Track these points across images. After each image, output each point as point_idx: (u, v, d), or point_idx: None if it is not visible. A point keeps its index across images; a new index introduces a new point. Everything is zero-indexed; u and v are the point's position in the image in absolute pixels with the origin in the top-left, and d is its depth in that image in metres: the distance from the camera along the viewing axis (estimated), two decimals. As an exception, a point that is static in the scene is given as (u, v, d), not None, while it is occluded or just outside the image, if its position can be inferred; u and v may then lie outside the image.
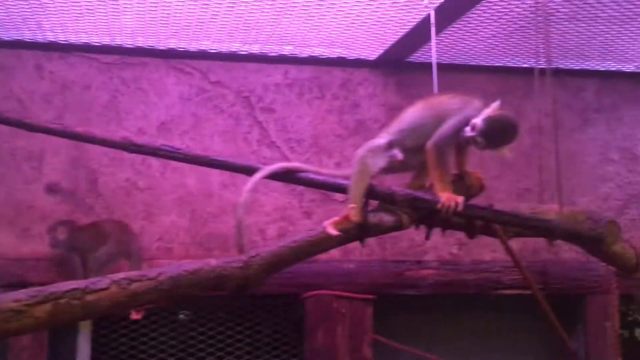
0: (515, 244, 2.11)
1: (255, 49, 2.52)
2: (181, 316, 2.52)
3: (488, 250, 2.58)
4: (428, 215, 1.33)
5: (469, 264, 2.55)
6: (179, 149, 1.38)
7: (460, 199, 1.30)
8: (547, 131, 2.12)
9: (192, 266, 1.15)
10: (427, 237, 1.40)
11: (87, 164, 2.44)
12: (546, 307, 1.65)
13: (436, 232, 1.55)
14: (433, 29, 1.99)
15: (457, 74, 2.67)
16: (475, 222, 1.39)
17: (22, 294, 1.03)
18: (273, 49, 2.53)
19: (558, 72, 2.67)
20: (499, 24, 2.31)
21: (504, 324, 2.63)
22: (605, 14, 2.25)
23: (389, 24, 2.30)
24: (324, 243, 1.23)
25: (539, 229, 1.27)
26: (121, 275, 1.10)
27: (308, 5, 2.16)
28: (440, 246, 2.60)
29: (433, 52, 1.94)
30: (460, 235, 1.51)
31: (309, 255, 1.23)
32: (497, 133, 1.37)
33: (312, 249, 1.22)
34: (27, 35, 2.38)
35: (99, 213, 2.41)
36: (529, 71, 2.68)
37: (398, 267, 2.49)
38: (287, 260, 1.20)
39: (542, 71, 1.72)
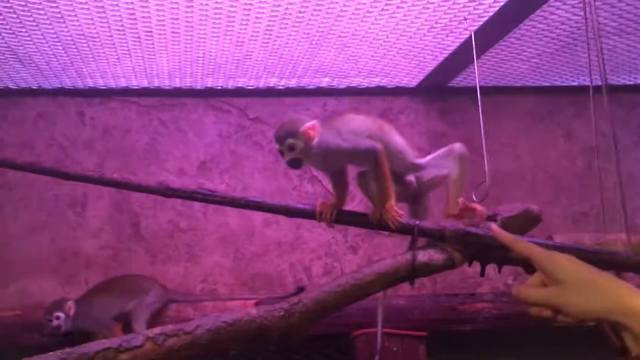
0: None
1: (292, 82, 2.50)
2: (231, 352, 2.45)
3: (546, 280, 2.45)
4: (481, 251, 1.23)
5: (526, 294, 2.41)
6: (215, 192, 1.33)
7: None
8: (601, 151, 2.00)
9: (231, 317, 1.08)
10: (482, 274, 1.30)
11: (129, 207, 2.43)
12: (614, 338, 1.51)
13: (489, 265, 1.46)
14: (474, 52, 1.91)
15: (502, 96, 2.58)
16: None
17: (51, 357, 0.99)
18: (310, 82, 2.50)
19: (610, 89, 2.55)
20: (543, 42, 2.22)
21: (570, 357, 2.47)
22: (657, 26, 2.13)
23: (427, 49, 2.24)
24: (372, 286, 1.15)
25: (609, 264, 1.16)
26: (156, 330, 1.05)
27: (344, 36, 2.12)
28: (494, 277, 2.48)
29: (476, 75, 1.86)
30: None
31: (355, 300, 1.15)
32: None
33: (359, 293, 1.14)
34: (68, 83, 2.42)
35: (142, 256, 2.39)
36: (578, 89, 2.58)
37: (451, 301, 2.37)
38: (332, 307, 1.13)
39: (595, 88, 1.62)
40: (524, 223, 1.27)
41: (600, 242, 1.25)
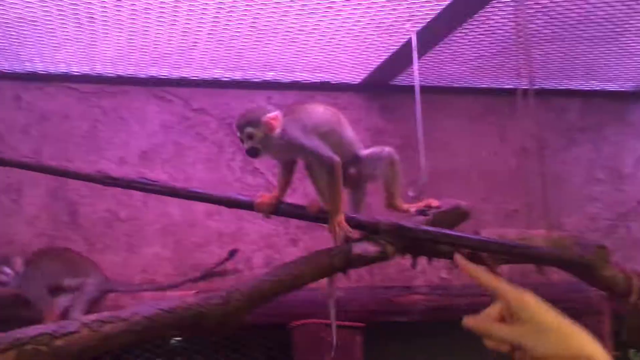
0: (503, 267, 2.08)
1: (237, 75, 2.50)
2: (172, 342, 2.45)
3: (478, 274, 2.55)
4: (413, 244, 1.29)
5: (460, 287, 2.50)
6: (155, 182, 1.34)
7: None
8: (532, 152, 2.11)
9: (168, 304, 1.10)
10: (414, 266, 1.36)
11: (66, 195, 2.38)
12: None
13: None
14: (415, 53, 1.98)
15: (440, 96, 2.66)
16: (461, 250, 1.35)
17: (-17, 341, 0.98)
18: (256, 75, 2.51)
19: (541, 92, 2.66)
20: (481, 45, 2.30)
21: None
22: (587, 34, 2.25)
23: (372, 47, 2.29)
24: (307, 275, 1.18)
25: (527, 257, 1.24)
26: (92, 317, 1.05)
27: (290, 31, 2.14)
28: (429, 270, 2.56)
29: (415, 75, 1.92)
30: (449, 259, 1.49)
31: (291, 289, 1.19)
32: None
33: (295, 282, 1.17)
34: (4, 66, 2.34)
35: (80, 245, 2.35)
36: (513, 92, 2.68)
37: (387, 293, 2.43)
38: (268, 295, 1.16)
39: (525, 91, 1.70)
40: (454, 218, 1.33)
41: (523, 237, 1.32)
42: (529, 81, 1.51)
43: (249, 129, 1.37)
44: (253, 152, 1.40)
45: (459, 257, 0.88)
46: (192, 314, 1.10)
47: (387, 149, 1.51)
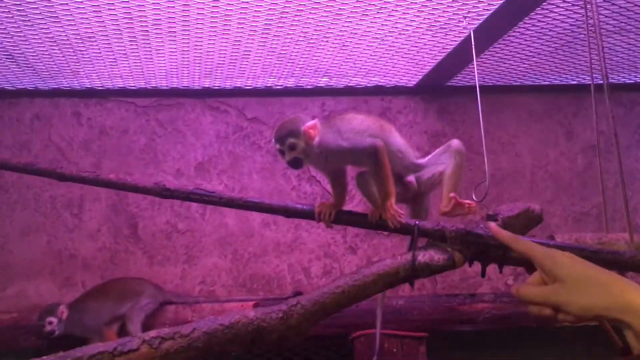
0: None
1: (290, 82, 2.48)
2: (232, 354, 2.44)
3: (546, 280, 2.43)
4: (482, 251, 1.22)
5: (526, 294, 2.39)
6: (213, 192, 1.32)
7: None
8: (601, 150, 1.99)
9: (228, 319, 1.07)
10: (483, 275, 1.28)
11: (127, 208, 2.42)
12: (615, 337, 1.49)
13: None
14: (473, 51, 1.90)
15: (501, 95, 2.57)
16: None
17: (44, 362, 0.97)
18: (309, 82, 2.48)
19: (610, 87, 2.54)
20: (542, 40, 2.20)
21: (572, 357, 2.45)
22: (657, 23, 2.12)
23: (426, 48, 2.23)
24: (371, 287, 1.13)
25: (611, 263, 1.15)
26: (152, 333, 1.03)
27: (342, 36, 2.10)
28: (495, 277, 2.47)
29: (475, 74, 1.84)
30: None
31: (354, 301, 1.14)
32: None
33: (359, 294, 1.12)
34: (64, 84, 2.40)
35: (140, 258, 2.38)
36: (577, 88, 2.57)
37: (450, 301, 2.35)
38: (331, 308, 1.11)
39: (596, 87, 1.61)
40: (525, 222, 1.25)
41: (602, 241, 1.23)
42: (602, 75, 1.41)
43: (291, 140, 1.36)
44: (296, 164, 1.38)
45: (492, 225, 0.92)
46: (253, 329, 1.06)
47: (456, 141, 1.46)
